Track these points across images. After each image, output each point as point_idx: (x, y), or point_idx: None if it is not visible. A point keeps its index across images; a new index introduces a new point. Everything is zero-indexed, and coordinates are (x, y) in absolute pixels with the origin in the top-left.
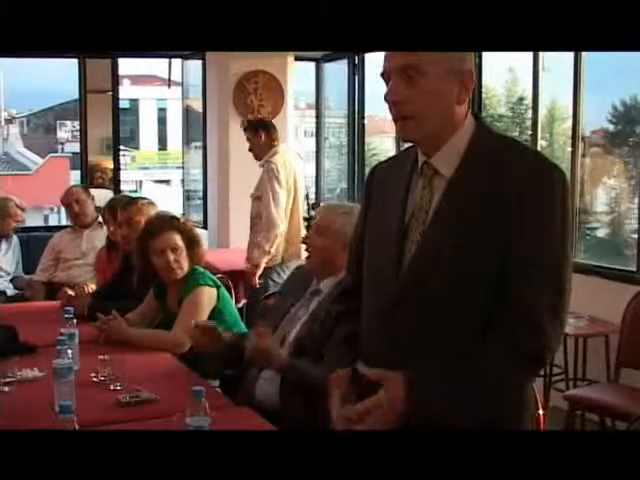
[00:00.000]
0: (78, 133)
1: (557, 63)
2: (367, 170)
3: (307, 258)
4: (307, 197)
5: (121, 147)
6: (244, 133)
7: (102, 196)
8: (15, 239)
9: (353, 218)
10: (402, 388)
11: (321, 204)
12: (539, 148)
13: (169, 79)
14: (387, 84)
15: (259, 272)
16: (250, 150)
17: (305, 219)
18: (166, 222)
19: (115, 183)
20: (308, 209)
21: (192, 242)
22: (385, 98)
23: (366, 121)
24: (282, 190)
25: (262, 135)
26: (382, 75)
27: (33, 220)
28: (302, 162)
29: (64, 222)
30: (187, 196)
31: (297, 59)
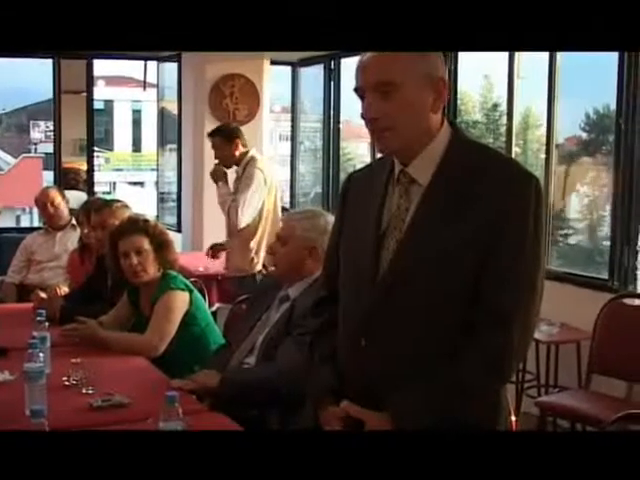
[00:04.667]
0: (52, 133)
1: (532, 70)
2: (342, 175)
3: (274, 267)
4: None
5: (95, 148)
6: (211, 139)
7: (75, 198)
8: None
9: (315, 221)
10: (383, 427)
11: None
12: (513, 155)
13: (144, 81)
14: (362, 99)
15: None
16: (218, 158)
17: None
18: (133, 225)
19: (89, 185)
20: None
21: (161, 246)
22: (362, 115)
23: (341, 125)
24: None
25: (239, 144)
26: (356, 90)
27: (5, 221)
28: (275, 167)
29: (36, 223)
30: (161, 198)
31: (273, 63)
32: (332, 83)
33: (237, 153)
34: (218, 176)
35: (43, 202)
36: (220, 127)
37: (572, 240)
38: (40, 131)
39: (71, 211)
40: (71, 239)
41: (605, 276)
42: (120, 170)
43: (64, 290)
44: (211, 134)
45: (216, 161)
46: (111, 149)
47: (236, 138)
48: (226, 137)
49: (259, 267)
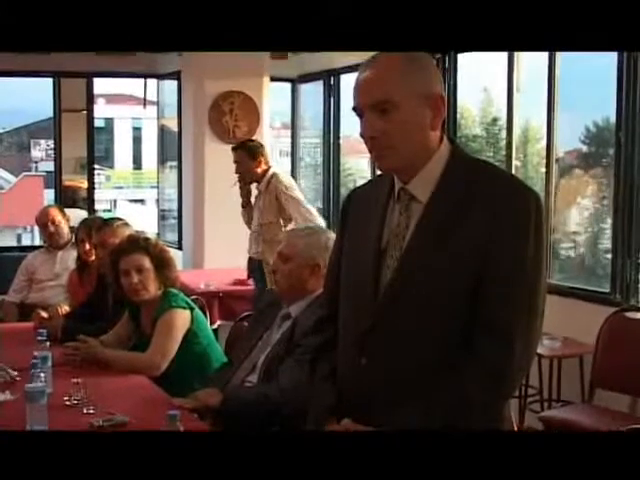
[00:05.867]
0: (52, 152)
1: (531, 84)
2: (342, 190)
3: (276, 284)
4: None
5: (96, 166)
6: (234, 154)
7: (76, 216)
8: None
9: (317, 239)
10: None
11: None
12: (513, 168)
13: (144, 98)
14: (360, 118)
15: None
16: (239, 173)
17: None
18: (134, 243)
19: (89, 202)
20: None
21: (162, 264)
22: (360, 134)
23: (341, 141)
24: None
25: (261, 161)
26: (354, 109)
27: (6, 240)
28: None
29: (37, 242)
30: (162, 216)
31: (273, 79)
32: (332, 99)
33: (259, 170)
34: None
35: (44, 221)
36: (244, 142)
37: (573, 253)
38: (41, 150)
39: (72, 229)
40: (72, 258)
41: (607, 289)
42: (121, 188)
43: (65, 309)
44: (235, 148)
45: (236, 176)
46: (112, 167)
47: (260, 155)
48: (250, 153)
49: None
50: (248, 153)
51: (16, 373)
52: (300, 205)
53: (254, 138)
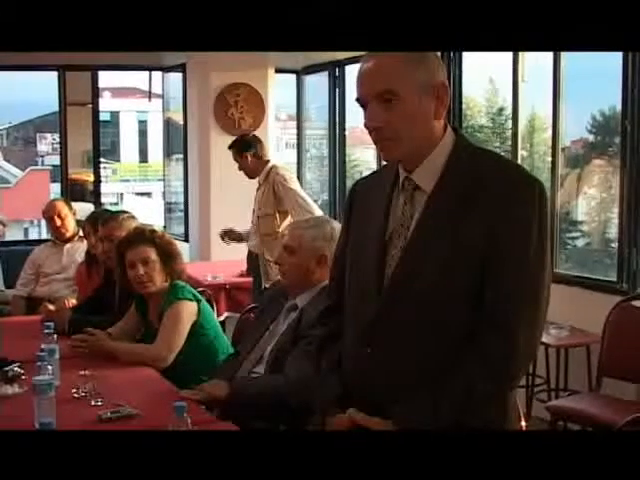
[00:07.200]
0: (58, 146)
1: (536, 74)
2: (349, 181)
3: (282, 276)
4: None
5: (102, 160)
6: (231, 152)
7: (83, 209)
8: None
9: (322, 230)
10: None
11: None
12: (520, 158)
13: (150, 91)
14: (364, 109)
15: None
16: (241, 169)
17: None
18: (140, 235)
19: (96, 196)
20: None
21: (168, 256)
22: (365, 125)
23: (347, 132)
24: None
25: (248, 156)
26: (357, 100)
27: (13, 234)
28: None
29: (44, 235)
30: (168, 208)
31: (278, 71)
32: (337, 90)
33: (252, 165)
34: (231, 238)
35: (50, 215)
36: (236, 139)
37: (580, 243)
38: (47, 143)
39: (78, 223)
40: (79, 251)
41: (613, 278)
42: (127, 181)
43: (72, 302)
44: (229, 147)
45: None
46: (118, 160)
47: (245, 151)
48: (237, 150)
49: None
50: (237, 150)
51: (22, 371)
52: (297, 197)
53: (250, 132)
